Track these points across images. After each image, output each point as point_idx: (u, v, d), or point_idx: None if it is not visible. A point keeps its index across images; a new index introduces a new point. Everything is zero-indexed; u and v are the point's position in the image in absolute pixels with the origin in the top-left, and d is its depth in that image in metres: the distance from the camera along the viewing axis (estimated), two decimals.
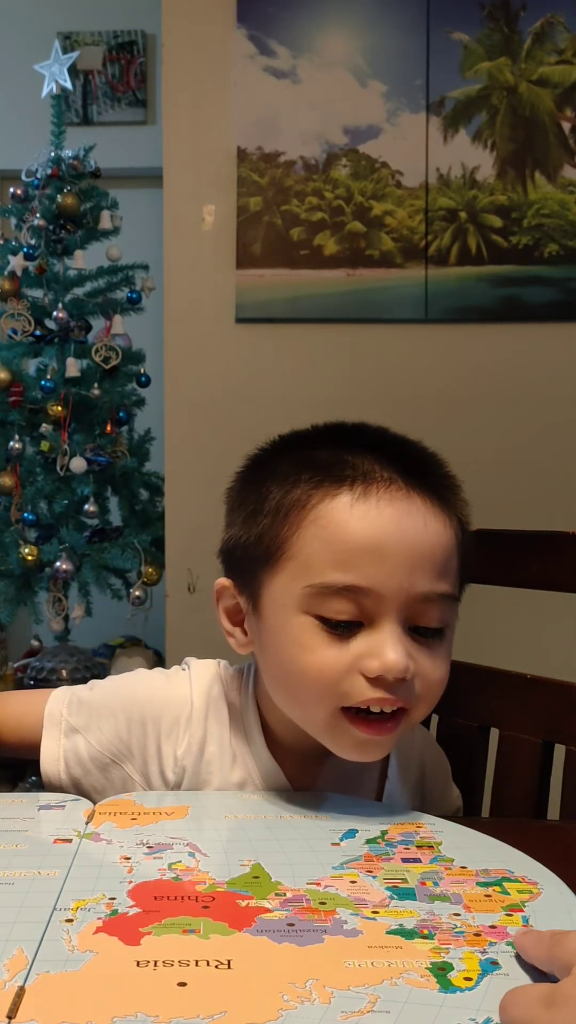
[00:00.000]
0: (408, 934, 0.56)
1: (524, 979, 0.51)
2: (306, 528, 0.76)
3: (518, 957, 0.53)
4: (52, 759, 0.86)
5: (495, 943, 0.55)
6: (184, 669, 0.90)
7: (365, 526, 0.74)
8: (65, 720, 0.87)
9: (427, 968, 0.52)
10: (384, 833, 0.72)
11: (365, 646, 0.74)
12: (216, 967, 0.52)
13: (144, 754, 0.85)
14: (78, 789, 0.86)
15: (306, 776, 0.85)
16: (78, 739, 0.86)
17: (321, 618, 0.75)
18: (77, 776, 0.86)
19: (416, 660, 0.75)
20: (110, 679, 0.90)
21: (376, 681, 0.74)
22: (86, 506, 2.73)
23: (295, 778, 0.85)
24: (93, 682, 0.90)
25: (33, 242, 2.81)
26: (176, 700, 0.86)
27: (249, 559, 0.80)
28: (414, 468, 0.78)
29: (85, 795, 0.84)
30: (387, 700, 0.74)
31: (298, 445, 0.83)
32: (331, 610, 0.74)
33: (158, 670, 0.91)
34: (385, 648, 0.73)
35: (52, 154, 2.87)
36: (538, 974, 0.51)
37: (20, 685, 2.87)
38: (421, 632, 0.76)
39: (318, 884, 0.62)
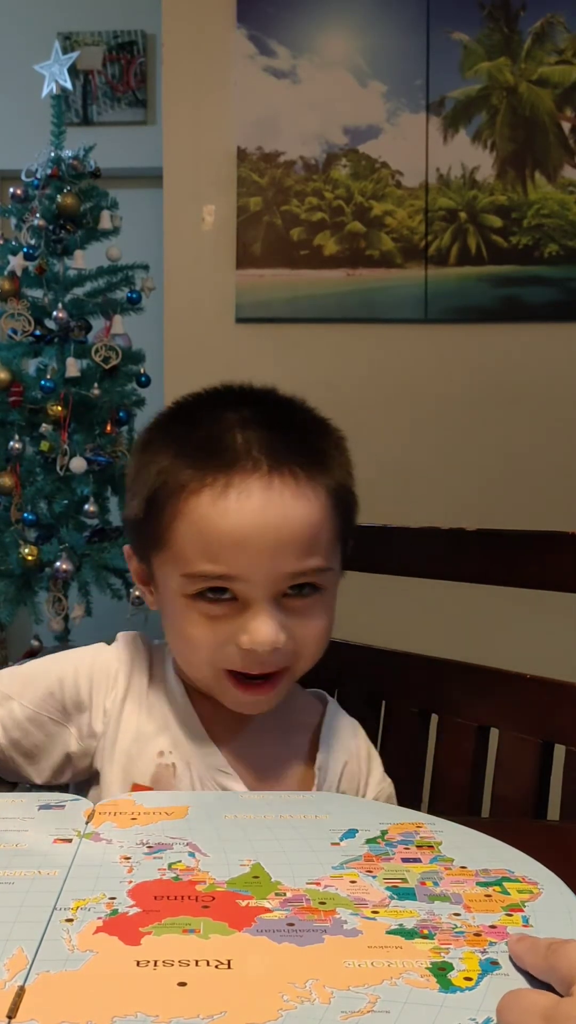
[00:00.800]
0: (408, 934, 0.56)
1: (524, 979, 0.51)
2: (179, 520, 0.82)
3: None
4: None
5: (495, 943, 0.55)
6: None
7: (228, 521, 0.80)
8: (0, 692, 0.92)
9: (427, 968, 0.52)
10: (384, 833, 0.72)
11: (238, 623, 0.81)
12: (216, 967, 0.52)
13: (78, 707, 0.90)
14: (19, 751, 0.91)
15: (228, 730, 0.90)
16: (13, 704, 0.91)
17: (198, 598, 0.82)
18: (16, 738, 0.90)
19: (289, 627, 0.82)
20: (39, 658, 0.97)
21: (248, 653, 0.81)
22: (86, 506, 2.73)
23: (216, 731, 0.89)
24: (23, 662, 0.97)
25: (33, 242, 2.81)
26: (104, 659, 0.93)
27: (142, 537, 0.88)
28: (283, 443, 0.82)
29: (27, 756, 0.90)
30: (256, 671, 0.82)
31: (182, 422, 0.88)
32: (205, 595, 0.82)
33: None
34: (255, 624, 0.80)
35: (52, 154, 2.87)
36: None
37: None
38: (296, 594, 0.83)
39: (318, 884, 0.62)
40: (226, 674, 0.84)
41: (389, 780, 0.99)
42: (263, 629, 0.80)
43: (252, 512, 0.80)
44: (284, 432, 0.84)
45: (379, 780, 0.98)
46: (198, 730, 0.89)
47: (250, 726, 0.91)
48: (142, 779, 0.87)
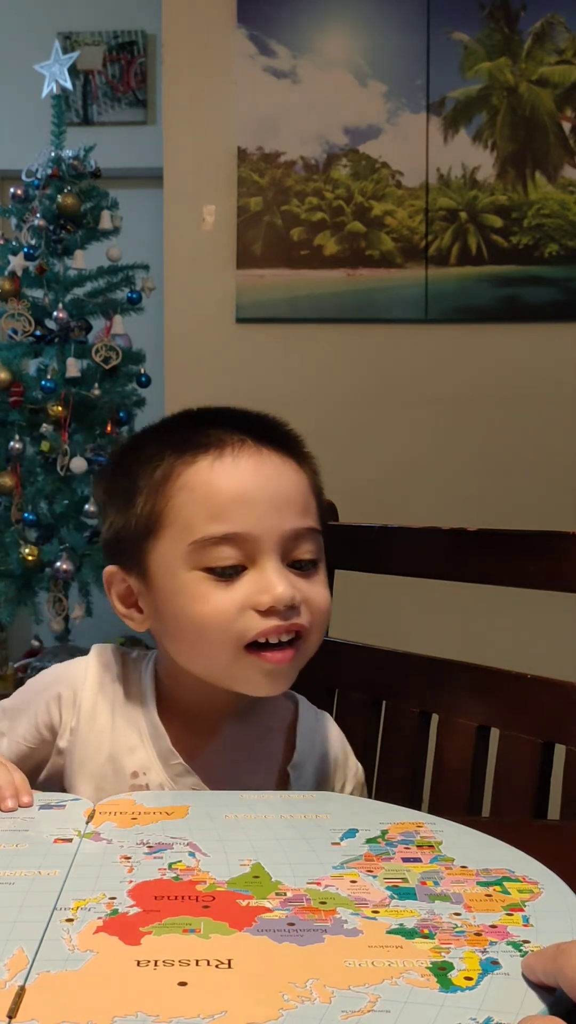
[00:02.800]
0: (408, 934, 0.56)
1: (524, 980, 0.51)
2: (177, 495, 0.84)
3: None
4: None
5: (496, 943, 0.55)
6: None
7: (228, 480, 0.83)
8: None
9: (427, 968, 0.52)
10: (384, 833, 0.72)
11: (253, 584, 0.82)
12: (216, 967, 0.52)
13: (51, 730, 0.91)
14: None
15: (202, 744, 0.90)
16: (3, 741, 0.93)
17: (208, 569, 0.82)
18: (18, 766, 0.91)
19: (300, 589, 0.83)
20: (24, 685, 0.97)
21: (268, 612, 0.81)
22: (86, 506, 2.73)
23: (189, 746, 0.89)
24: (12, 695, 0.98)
25: (33, 242, 2.81)
26: (70, 675, 0.93)
27: (131, 539, 0.87)
28: (260, 430, 0.88)
29: (34, 777, 0.90)
30: (282, 627, 0.82)
31: (153, 433, 0.93)
32: (215, 559, 0.82)
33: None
34: (271, 581, 0.81)
35: (52, 154, 2.87)
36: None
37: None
38: (298, 566, 0.85)
39: (318, 884, 0.62)
40: (245, 651, 0.83)
41: (360, 766, 1.01)
42: (279, 583, 0.81)
43: (249, 471, 0.84)
44: (259, 426, 0.88)
45: (355, 770, 0.99)
46: (168, 748, 0.89)
47: (221, 739, 0.91)
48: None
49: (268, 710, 0.94)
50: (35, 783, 0.92)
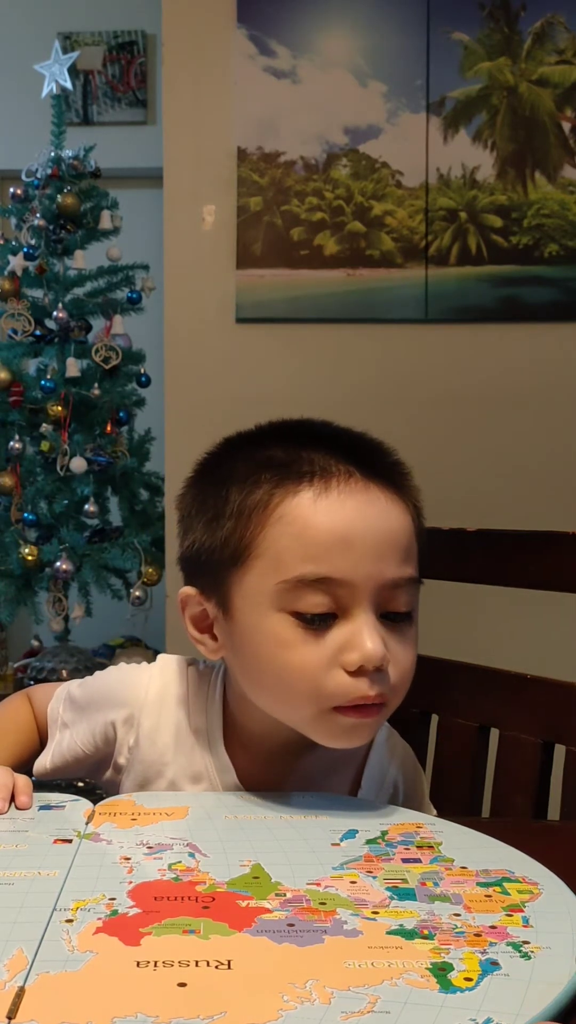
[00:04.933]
0: (408, 934, 0.56)
1: (524, 979, 0.51)
2: (272, 526, 0.77)
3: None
4: (44, 753, 0.93)
5: (495, 943, 0.55)
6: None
7: (330, 519, 0.76)
8: (60, 717, 0.92)
9: (427, 968, 0.52)
10: (384, 833, 0.72)
11: (342, 637, 0.75)
12: (216, 967, 0.52)
13: (109, 743, 0.88)
14: (85, 767, 0.91)
15: (270, 779, 0.85)
16: (67, 733, 0.91)
17: (296, 613, 0.76)
18: (78, 759, 0.91)
19: (389, 647, 0.76)
20: (95, 676, 0.93)
21: (357, 672, 0.75)
22: (86, 506, 2.73)
23: (256, 780, 0.85)
24: (83, 680, 0.94)
25: (33, 242, 2.81)
26: (133, 692, 0.88)
27: (215, 563, 0.81)
28: (367, 459, 0.80)
29: (94, 769, 0.91)
30: (369, 696, 0.76)
31: (250, 446, 0.84)
32: (306, 604, 0.76)
33: (134, 664, 0.94)
34: (362, 637, 0.75)
35: (52, 154, 2.87)
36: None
37: (20, 685, 2.88)
38: (391, 618, 0.78)
39: (318, 884, 0.62)
40: (331, 712, 0.77)
41: (433, 809, 0.95)
42: (370, 641, 0.74)
43: (354, 510, 0.76)
44: (366, 453, 0.82)
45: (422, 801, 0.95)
46: (234, 783, 0.84)
47: (288, 773, 0.85)
48: None
49: None
50: (99, 779, 0.91)
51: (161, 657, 0.91)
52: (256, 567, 0.78)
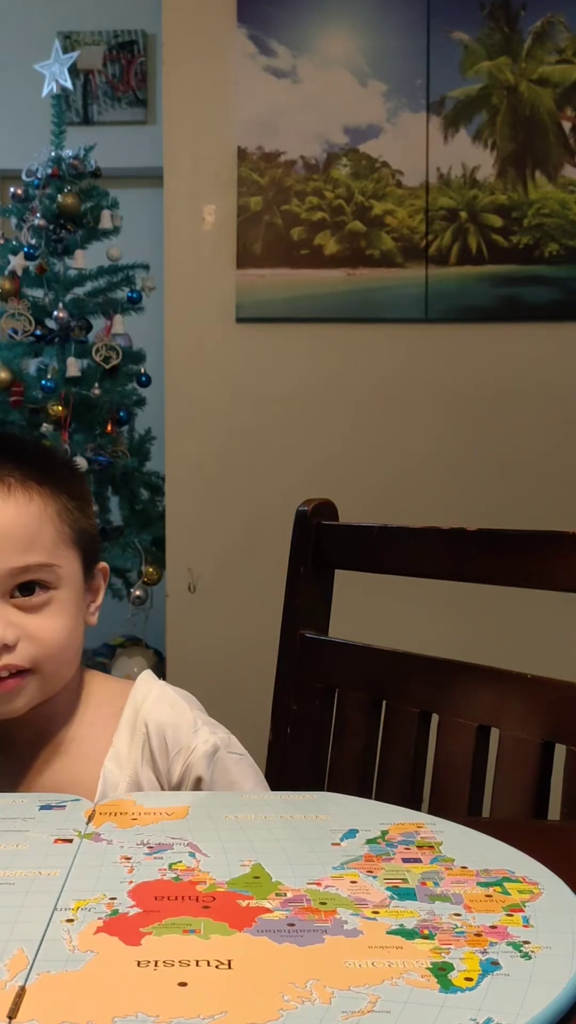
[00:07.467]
0: (408, 934, 0.56)
1: (525, 979, 0.51)
2: None
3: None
4: None
5: (496, 943, 0.55)
6: None
7: None
8: None
9: (428, 968, 0.52)
10: (384, 833, 0.72)
11: None
12: (216, 967, 0.52)
13: None
14: None
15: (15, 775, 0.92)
16: None
17: None
18: None
19: (21, 625, 0.85)
20: None
21: None
22: None
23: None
24: None
25: (33, 242, 2.81)
26: None
27: None
28: (10, 457, 0.89)
29: None
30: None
31: None
32: None
33: None
34: None
35: (52, 154, 2.87)
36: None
37: None
38: (28, 593, 0.86)
39: (318, 884, 0.62)
40: None
41: (213, 735, 0.92)
42: None
43: None
44: (13, 451, 0.91)
45: (198, 747, 0.91)
46: None
47: (36, 743, 0.92)
48: None
49: (92, 701, 0.94)
50: None
51: None
52: None
